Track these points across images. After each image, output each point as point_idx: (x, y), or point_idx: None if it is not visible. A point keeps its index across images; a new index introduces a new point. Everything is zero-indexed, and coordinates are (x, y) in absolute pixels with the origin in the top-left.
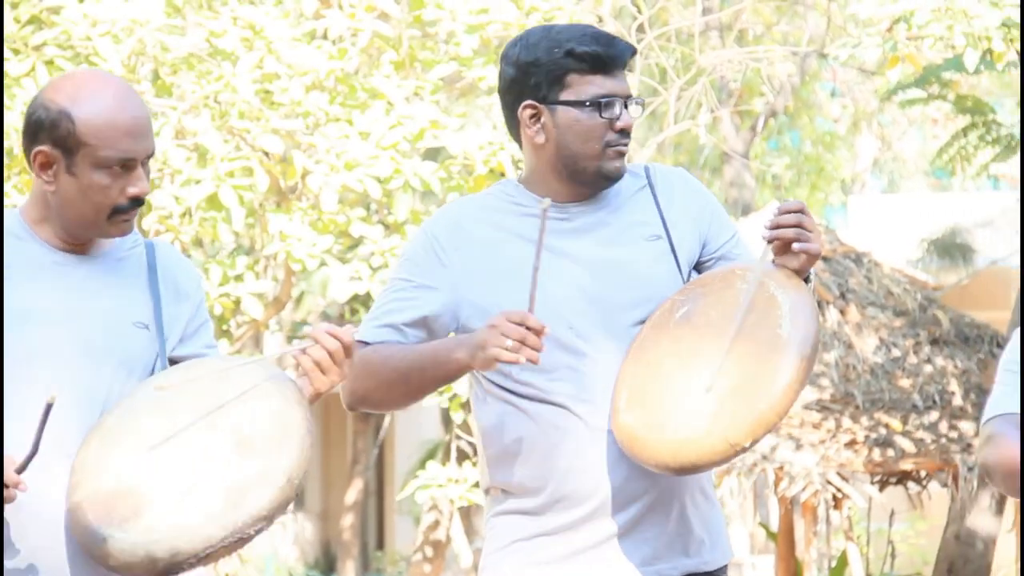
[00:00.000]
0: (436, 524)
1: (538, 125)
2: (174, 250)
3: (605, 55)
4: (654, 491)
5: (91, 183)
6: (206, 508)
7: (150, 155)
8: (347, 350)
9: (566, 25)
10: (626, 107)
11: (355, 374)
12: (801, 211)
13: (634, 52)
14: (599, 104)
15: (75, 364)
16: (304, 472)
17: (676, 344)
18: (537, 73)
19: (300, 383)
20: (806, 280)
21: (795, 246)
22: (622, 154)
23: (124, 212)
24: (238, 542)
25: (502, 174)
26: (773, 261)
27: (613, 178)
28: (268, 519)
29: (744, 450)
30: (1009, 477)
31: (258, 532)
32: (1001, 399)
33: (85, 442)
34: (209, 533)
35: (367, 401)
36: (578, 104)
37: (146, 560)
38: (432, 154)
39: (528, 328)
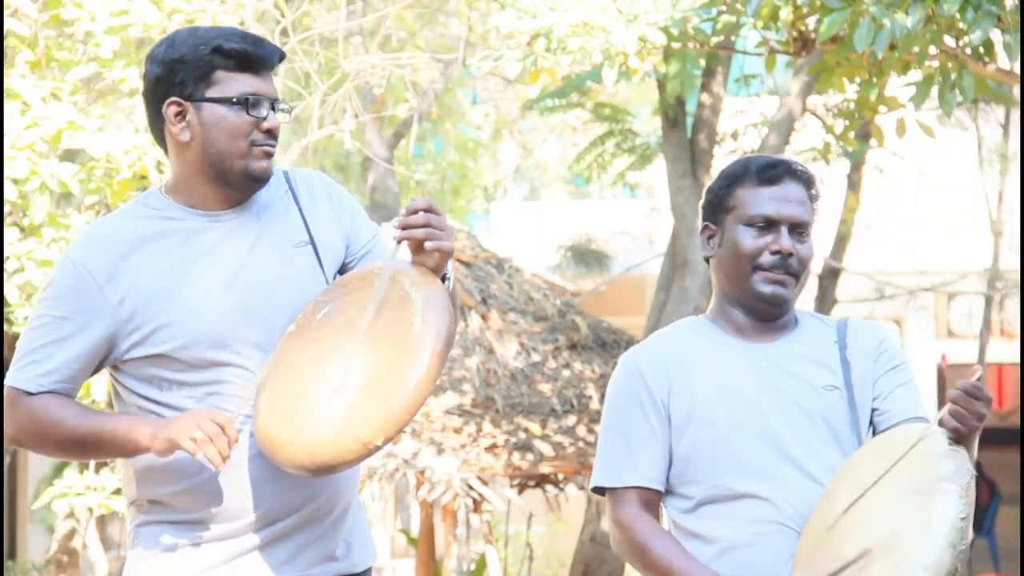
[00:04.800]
0: (72, 533)
1: (183, 123)
2: None
3: (253, 53)
4: (313, 503)
5: None
6: None
7: None
8: None
9: (214, 26)
10: (273, 109)
11: (18, 425)
12: (429, 209)
13: (282, 56)
14: (246, 102)
15: None
16: None
17: (316, 345)
18: (183, 70)
19: None
20: (444, 278)
21: (427, 244)
22: (269, 155)
23: None
24: None
25: (144, 177)
26: (412, 261)
27: (260, 179)
28: None
29: (378, 448)
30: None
31: None
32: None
33: None
34: None
35: (29, 449)
36: (225, 101)
37: None
38: (71, 156)
39: (224, 432)
